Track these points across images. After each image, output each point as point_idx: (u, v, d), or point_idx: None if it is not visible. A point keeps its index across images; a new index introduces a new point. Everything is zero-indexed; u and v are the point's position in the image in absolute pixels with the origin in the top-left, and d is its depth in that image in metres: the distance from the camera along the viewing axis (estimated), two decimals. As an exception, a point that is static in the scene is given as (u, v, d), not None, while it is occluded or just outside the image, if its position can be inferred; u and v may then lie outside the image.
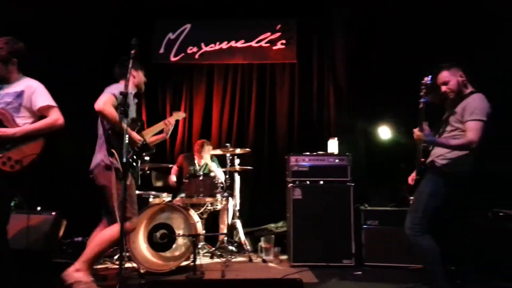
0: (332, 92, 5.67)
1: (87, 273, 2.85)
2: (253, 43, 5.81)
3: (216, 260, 4.33)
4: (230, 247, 4.43)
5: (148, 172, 4.62)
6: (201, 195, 4.20)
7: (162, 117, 5.55)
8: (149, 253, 3.86)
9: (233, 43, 5.83)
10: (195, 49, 5.86)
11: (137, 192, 3.35)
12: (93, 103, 2.92)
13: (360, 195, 4.35)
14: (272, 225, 4.98)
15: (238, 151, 4.60)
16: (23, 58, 2.92)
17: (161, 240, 3.83)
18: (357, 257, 4.05)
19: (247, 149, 4.78)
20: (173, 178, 5.13)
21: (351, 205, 4.10)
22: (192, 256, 3.55)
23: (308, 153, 4.33)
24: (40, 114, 2.91)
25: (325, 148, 4.57)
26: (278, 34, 5.80)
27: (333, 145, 4.50)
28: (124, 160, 2.51)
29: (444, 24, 4.69)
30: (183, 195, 4.49)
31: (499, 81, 3.92)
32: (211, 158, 5.19)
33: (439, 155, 2.83)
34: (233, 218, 4.70)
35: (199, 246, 4.11)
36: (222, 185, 4.42)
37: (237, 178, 4.81)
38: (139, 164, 3.18)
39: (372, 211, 4.14)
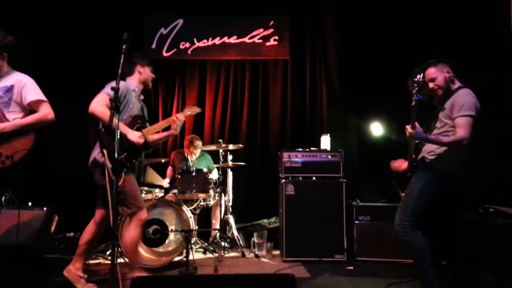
0: (324, 88, 5.69)
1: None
2: (246, 39, 5.79)
3: (209, 255, 4.34)
4: (223, 243, 4.44)
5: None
6: (194, 191, 4.20)
7: (154, 113, 5.56)
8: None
9: (226, 39, 5.80)
10: (187, 45, 5.81)
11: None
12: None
13: (352, 191, 4.39)
14: (265, 220, 5.00)
15: (231, 147, 4.60)
16: (13, 52, 2.88)
17: (154, 235, 3.82)
18: (349, 252, 4.09)
19: (240, 145, 4.78)
20: (166, 182, 4.95)
21: (343, 201, 4.13)
22: (184, 251, 3.55)
23: (300, 149, 4.36)
24: (30, 108, 2.87)
25: (317, 144, 4.59)
26: (271, 30, 5.78)
27: (325, 141, 4.52)
28: (116, 157, 2.47)
29: (437, 20, 4.73)
30: (175, 191, 4.49)
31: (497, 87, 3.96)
32: (202, 154, 5.16)
33: (429, 151, 2.84)
34: (225, 214, 4.70)
35: (192, 242, 4.10)
36: (214, 181, 4.43)
37: (230, 174, 4.81)
38: (136, 162, 3.14)
39: (364, 206, 4.18)
